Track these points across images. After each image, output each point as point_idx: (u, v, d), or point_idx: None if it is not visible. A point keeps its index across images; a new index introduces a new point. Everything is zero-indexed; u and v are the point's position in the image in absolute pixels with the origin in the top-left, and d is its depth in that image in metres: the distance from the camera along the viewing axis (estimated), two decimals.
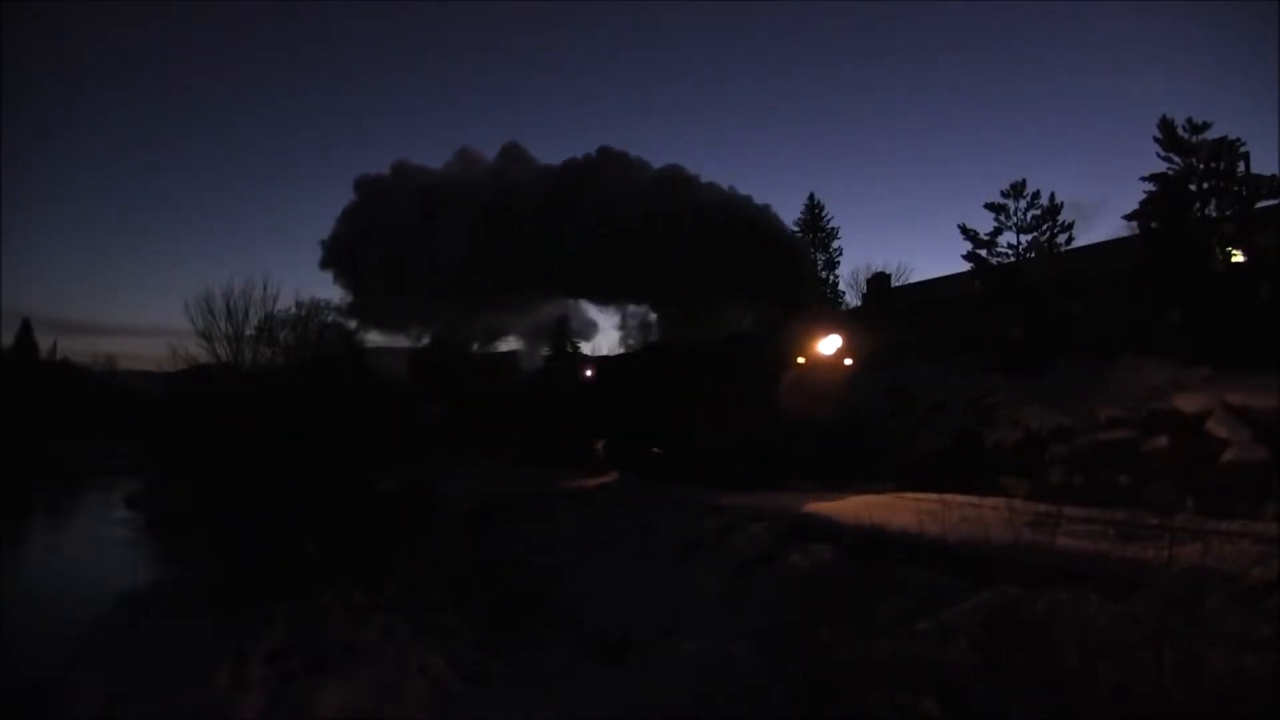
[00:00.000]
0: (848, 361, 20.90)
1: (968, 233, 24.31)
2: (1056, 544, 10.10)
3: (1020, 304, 22.56)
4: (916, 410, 20.51)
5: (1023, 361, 20.31)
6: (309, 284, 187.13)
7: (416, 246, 39.36)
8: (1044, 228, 23.56)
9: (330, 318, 39.49)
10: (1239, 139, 19.02)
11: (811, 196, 36.72)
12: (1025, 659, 7.13)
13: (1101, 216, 78.72)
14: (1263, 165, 19.13)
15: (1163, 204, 19.86)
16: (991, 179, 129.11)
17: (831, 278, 41.34)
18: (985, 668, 7.31)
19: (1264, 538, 9.73)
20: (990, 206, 24.01)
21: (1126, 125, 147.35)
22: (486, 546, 19.99)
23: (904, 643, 8.26)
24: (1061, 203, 23.59)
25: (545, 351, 45.75)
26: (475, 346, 49.79)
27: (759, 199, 37.92)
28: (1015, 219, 23.77)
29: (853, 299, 39.33)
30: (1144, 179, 20.26)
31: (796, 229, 39.58)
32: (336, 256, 44.07)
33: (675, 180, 35.04)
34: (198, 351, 33.63)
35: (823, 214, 42.17)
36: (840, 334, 21.00)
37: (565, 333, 45.53)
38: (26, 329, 72.01)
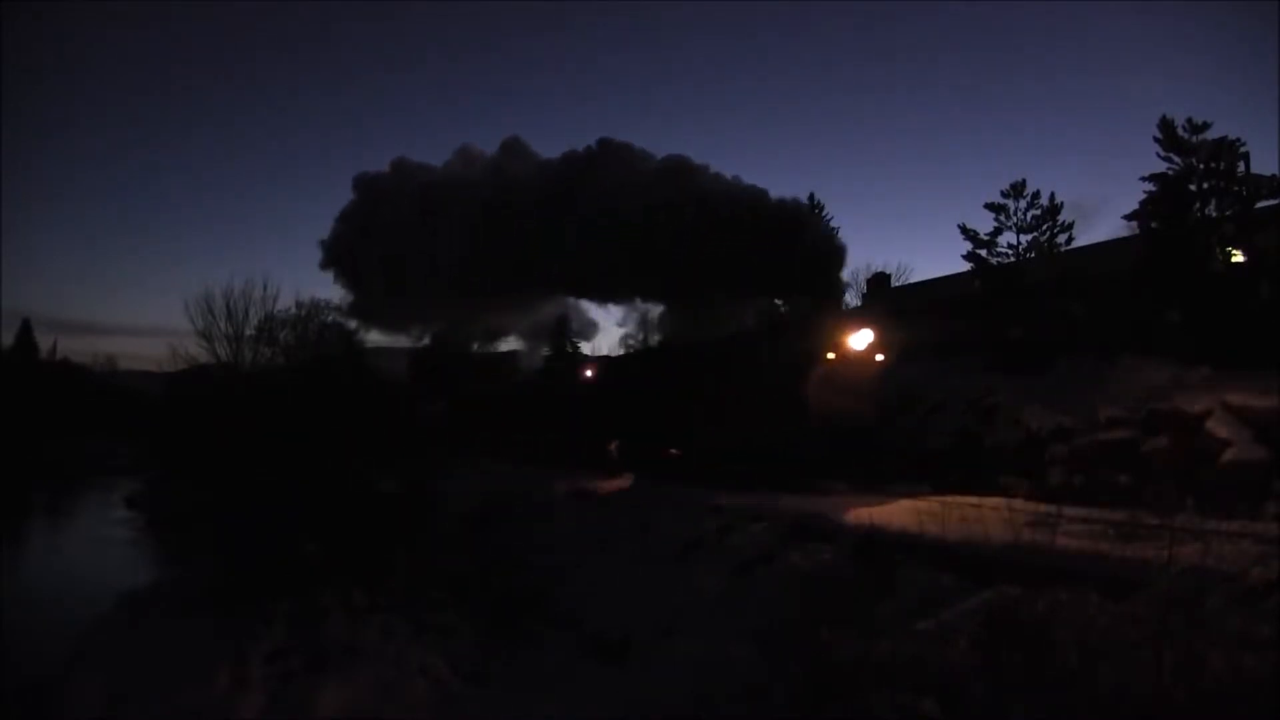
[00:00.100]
0: (879, 358, 20.10)
1: (968, 233, 24.31)
2: (1063, 544, 10.15)
3: (1020, 304, 22.56)
4: (916, 410, 20.43)
5: (1023, 361, 20.32)
6: (309, 284, 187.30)
7: (416, 246, 39.24)
8: (1044, 228, 23.54)
9: (330, 318, 39.48)
10: (1239, 139, 19.06)
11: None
12: (1025, 659, 7.13)
13: (1101, 216, 78.56)
14: (1263, 165, 19.18)
15: (1163, 204, 19.87)
16: (991, 179, 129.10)
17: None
18: (985, 668, 7.32)
19: (1264, 538, 9.74)
20: (990, 206, 24.00)
21: (1126, 125, 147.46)
22: (486, 546, 19.98)
23: (904, 643, 8.26)
24: (1061, 203, 23.59)
25: (545, 352, 45.72)
26: (475, 346, 49.81)
27: None
28: (1015, 219, 23.74)
29: (852, 299, 39.33)
30: (1144, 179, 20.29)
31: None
32: (336, 256, 44.02)
33: (679, 170, 34.39)
34: (198, 351, 33.59)
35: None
36: (872, 328, 20.00)
37: (565, 333, 45.48)
38: (26, 329, 72.02)
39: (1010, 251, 23.89)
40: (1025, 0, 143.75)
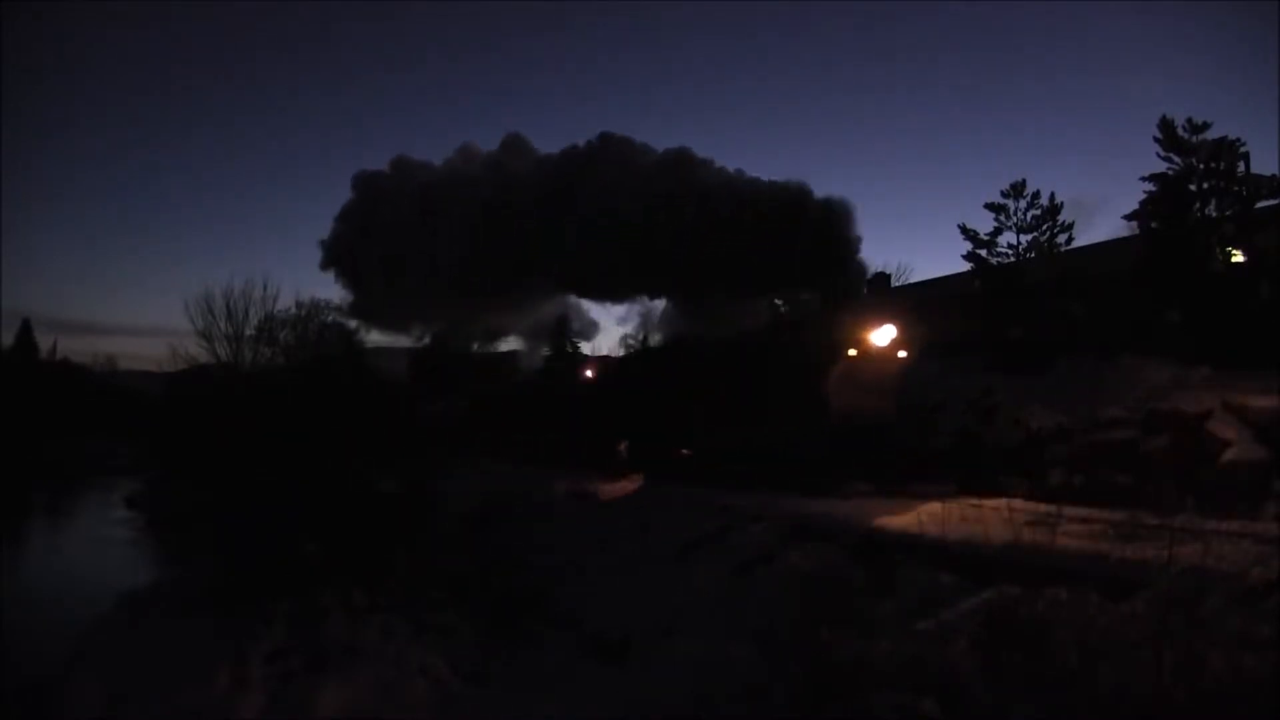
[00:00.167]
0: (901, 354, 19.51)
1: (968, 233, 24.31)
2: (1063, 544, 10.14)
3: (1020, 304, 22.55)
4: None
5: (1023, 361, 20.30)
6: (309, 284, 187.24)
7: (416, 245, 39.17)
8: (1044, 228, 23.54)
9: (330, 318, 39.46)
10: (1239, 139, 19.07)
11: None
12: (1025, 659, 7.13)
13: (1101, 216, 78.64)
14: (1263, 165, 19.22)
15: (1163, 204, 19.87)
16: (991, 179, 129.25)
17: None
18: (985, 668, 7.32)
19: (1264, 538, 9.73)
20: (990, 206, 24.01)
21: (1126, 125, 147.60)
22: (486, 546, 19.97)
23: (904, 643, 8.26)
24: (1061, 203, 23.61)
25: (545, 352, 45.71)
26: (475, 346, 49.79)
27: None
28: (1015, 219, 23.75)
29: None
30: (1144, 179, 20.30)
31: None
32: (336, 256, 43.97)
33: (680, 163, 33.82)
34: (198, 351, 33.55)
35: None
36: (895, 323, 19.30)
37: (565, 333, 45.46)
38: (26, 329, 71.96)
39: (1010, 251, 23.90)
40: (1025, 0, 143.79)
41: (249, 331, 32.61)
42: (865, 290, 26.59)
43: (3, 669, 12.31)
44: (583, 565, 16.66)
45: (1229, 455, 13.43)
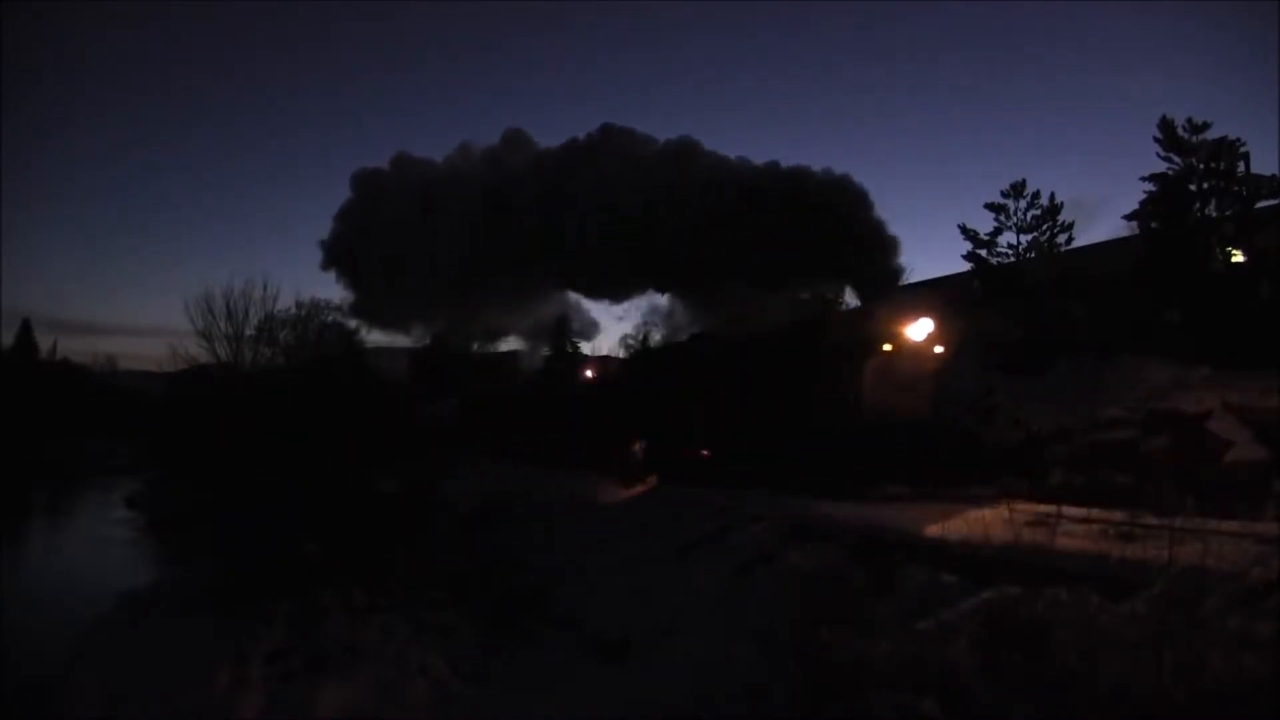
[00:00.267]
0: (938, 350, 18.58)
1: (968, 233, 24.34)
2: (1063, 544, 10.13)
3: (1020, 304, 22.56)
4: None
5: (1023, 361, 20.30)
6: (309, 284, 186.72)
7: (416, 244, 39.21)
8: (1044, 228, 23.58)
9: (330, 318, 39.47)
10: (1239, 139, 19.09)
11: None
12: (1025, 659, 7.13)
13: (1101, 216, 78.81)
14: (1263, 165, 19.23)
15: (1163, 204, 19.89)
16: (991, 179, 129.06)
17: None
18: (985, 668, 7.31)
19: (1264, 538, 9.72)
20: (990, 206, 24.04)
21: (1126, 125, 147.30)
22: (486, 546, 19.98)
23: (904, 643, 8.26)
24: (1061, 203, 23.66)
25: (545, 351, 45.72)
26: (476, 346, 49.83)
27: None
28: (1015, 219, 23.79)
29: (851, 298, 39.20)
30: (1144, 179, 20.33)
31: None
32: (337, 256, 44.02)
33: (683, 153, 33.42)
34: (198, 351, 33.53)
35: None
36: (931, 316, 18.34)
37: (566, 332, 45.48)
38: (26, 329, 72.04)
39: (1010, 251, 23.93)
40: (1025, 0, 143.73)
41: (249, 331, 32.59)
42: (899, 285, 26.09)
43: (3, 669, 12.31)
44: (583, 565, 16.66)
45: (1229, 455, 13.43)
